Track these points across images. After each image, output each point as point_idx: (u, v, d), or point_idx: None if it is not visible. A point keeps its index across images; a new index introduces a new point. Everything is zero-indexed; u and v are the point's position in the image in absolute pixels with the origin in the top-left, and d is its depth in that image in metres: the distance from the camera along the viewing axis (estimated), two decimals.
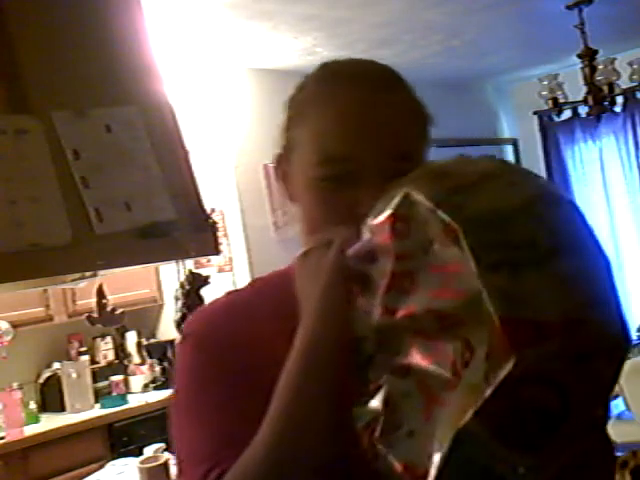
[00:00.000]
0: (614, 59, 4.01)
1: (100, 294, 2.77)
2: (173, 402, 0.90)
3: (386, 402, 0.68)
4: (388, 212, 0.69)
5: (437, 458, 0.61)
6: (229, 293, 0.94)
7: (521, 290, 0.60)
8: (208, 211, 1.43)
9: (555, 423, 0.60)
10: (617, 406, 3.68)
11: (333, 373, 0.71)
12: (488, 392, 0.58)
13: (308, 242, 0.83)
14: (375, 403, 0.69)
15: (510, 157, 6.11)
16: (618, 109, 4.79)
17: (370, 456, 0.69)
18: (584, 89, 3.98)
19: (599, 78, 3.94)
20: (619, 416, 3.83)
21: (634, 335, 4.92)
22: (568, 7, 3.87)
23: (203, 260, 4.06)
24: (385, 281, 0.69)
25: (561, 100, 4.17)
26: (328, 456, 0.71)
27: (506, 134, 6.08)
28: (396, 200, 0.69)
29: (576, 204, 0.69)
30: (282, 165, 0.90)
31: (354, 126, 0.80)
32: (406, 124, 0.83)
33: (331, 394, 0.71)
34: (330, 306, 0.73)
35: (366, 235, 0.74)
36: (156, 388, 4.30)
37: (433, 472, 0.61)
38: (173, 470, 2.25)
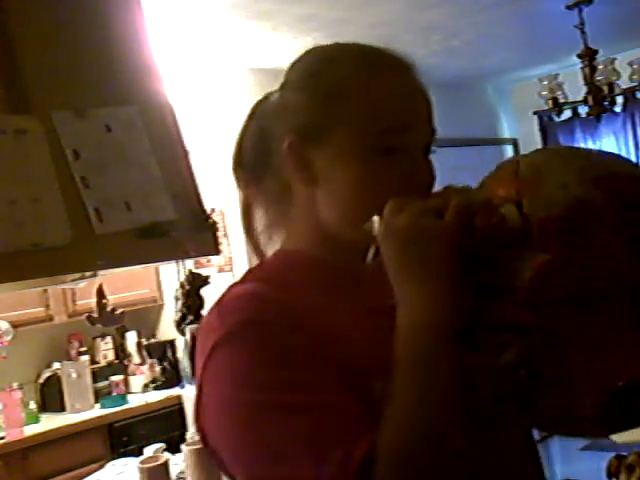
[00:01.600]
0: (614, 59, 4.01)
1: (100, 294, 2.77)
2: (238, 396, 0.76)
3: (521, 356, 0.71)
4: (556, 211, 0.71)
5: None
6: (233, 285, 0.87)
7: None
8: (208, 211, 1.43)
9: None
10: None
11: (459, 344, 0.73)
12: None
13: (351, 219, 0.84)
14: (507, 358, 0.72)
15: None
16: (618, 109, 4.79)
17: (512, 407, 0.74)
18: (584, 89, 3.98)
19: (599, 78, 3.94)
20: None
21: None
22: (568, 7, 3.87)
23: (203, 260, 4.06)
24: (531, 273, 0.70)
25: (561, 100, 4.17)
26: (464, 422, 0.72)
27: (506, 134, 6.08)
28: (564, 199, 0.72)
29: None
30: (300, 149, 0.85)
31: (410, 100, 0.85)
32: (431, 101, 0.89)
33: (460, 363, 0.72)
34: (458, 273, 0.74)
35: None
36: (156, 388, 4.30)
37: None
38: (173, 470, 2.25)
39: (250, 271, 0.93)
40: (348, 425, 0.72)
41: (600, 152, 0.80)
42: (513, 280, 0.71)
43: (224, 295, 0.85)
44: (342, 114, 0.83)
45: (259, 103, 0.96)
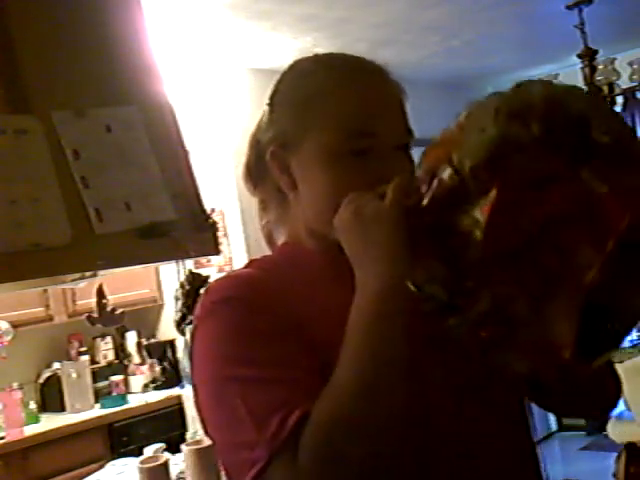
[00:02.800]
0: (614, 59, 4.01)
1: (100, 294, 2.77)
2: (210, 370, 0.86)
3: (492, 306, 0.74)
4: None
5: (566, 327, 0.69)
6: (235, 273, 1.00)
7: None
8: (208, 211, 1.43)
9: None
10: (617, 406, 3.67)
11: (407, 314, 0.78)
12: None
13: (326, 218, 0.88)
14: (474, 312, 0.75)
15: None
16: (618, 109, 4.79)
17: (484, 357, 0.77)
18: (584, 89, 3.98)
19: (599, 78, 3.94)
20: (619, 416, 3.83)
21: (634, 335, 4.92)
22: (568, 7, 3.87)
23: (203, 260, 4.06)
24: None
25: None
26: (408, 392, 0.77)
27: None
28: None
29: None
30: (281, 156, 0.96)
31: (375, 105, 0.91)
32: (404, 104, 0.95)
33: (406, 333, 0.78)
34: (401, 250, 0.79)
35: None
36: (156, 388, 4.30)
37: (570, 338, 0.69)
38: (173, 470, 2.25)
39: (251, 261, 1.01)
40: (294, 395, 0.78)
41: (530, 83, 0.82)
42: (473, 234, 0.74)
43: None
44: (312, 122, 0.92)
45: (260, 117, 1.05)
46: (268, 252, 1.06)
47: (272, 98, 1.00)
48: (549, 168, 0.73)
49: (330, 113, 0.91)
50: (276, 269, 0.96)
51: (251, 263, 1.00)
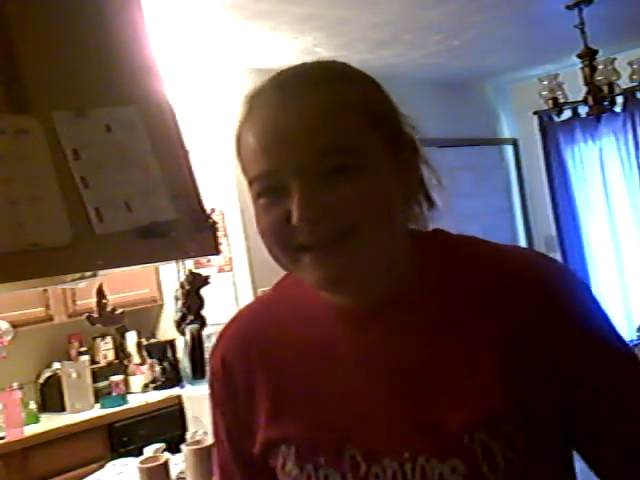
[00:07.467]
0: (614, 59, 4.01)
1: (100, 294, 2.76)
2: None
3: None
4: None
5: None
6: (235, 318, 0.99)
7: None
8: (208, 211, 1.42)
9: None
10: None
11: None
12: None
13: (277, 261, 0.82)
14: None
15: (510, 157, 6.11)
16: (618, 109, 4.79)
17: None
18: (584, 89, 3.98)
19: (599, 78, 3.94)
20: None
21: (634, 335, 4.92)
22: (568, 7, 3.87)
23: (203, 260, 4.06)
24: None
25: (561, 100, 4.17)
26: None
27: (506, 134, 6.07)
28: None
29: None
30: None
31: (268, 139, 0.78)
32: (318, 117, 0.76)
33: None
34: None
35: None
36: (156, 388, 4.30)
37: None
38: (173, 470, 2.25)
39: (277, 284, 0.97)
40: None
41: None
42: None
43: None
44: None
45: None
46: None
47: None
48: None
49: (239, 158, 0.83)
50: (276, 306, 0.93)
51: (274, 286, 0.96)
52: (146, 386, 4.34)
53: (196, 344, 2.09)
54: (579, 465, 0.85)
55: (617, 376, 0.80)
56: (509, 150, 6.10)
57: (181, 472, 2.26)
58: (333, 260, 0.76)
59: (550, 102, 4.18)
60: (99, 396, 4.12)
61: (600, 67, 3.94)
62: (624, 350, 0.81)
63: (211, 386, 0.95)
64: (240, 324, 0.95)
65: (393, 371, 0.80)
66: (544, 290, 0.79)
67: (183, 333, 2.82)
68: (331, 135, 0.76)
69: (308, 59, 0.88)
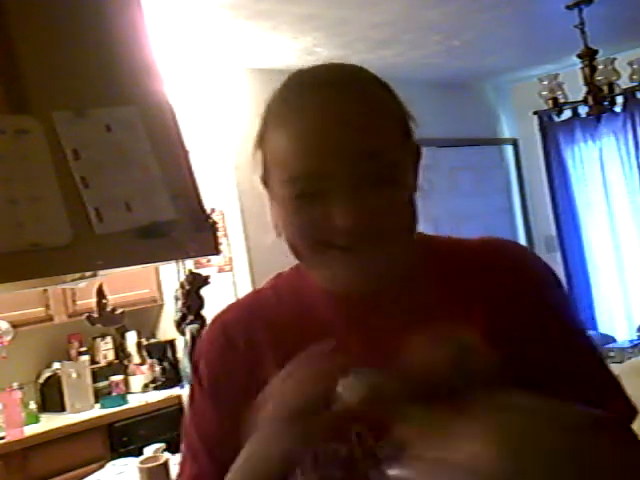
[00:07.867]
0: (614, 59, 4.01)
1: (100, 294, 2.77)
2: None
3: None
4: None
5: None
6: (232, 306, 1.02)
7: None
8: (208, 211, 1.42)
9: None
10: None
11: None
12: None
13: (297, 257, 0.86)
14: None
15: (510, 157, 6.12)
16: (618, 109, 4.79)
17: None
18: (584, 89, 3.98)
19: (599, 78, 3.94)
20: None
21: (634, 335, 4.92)
22: (568, 7, 3.87)
23: (203, 260, 4.06)
24: None
25: (561, 100, 4.17)
26: None
27: (506, 134, 6.08)
28: None
29: None
30: (266, 183, 0.87)
31: (312, 142, 0.77)
32: (367, 121, 0.78)
33: None
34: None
35: None
36: (156, 388, 4.30)
37: None
38: (173, 470, 2.25)
39: (278, 275, 1.00)
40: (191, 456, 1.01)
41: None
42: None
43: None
44: (267, 157, 0.84)
45: None
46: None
47: None
48: None
49: (274, 151, 0.82)
50: (276, 297, 0.95)
51: (276, 277, 0.99)
52: (146, 386, 4.34)
53: (196, 344, 2.08)
54: None
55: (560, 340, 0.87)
56: (509, 150, 6.10)
57: None
58: (367, 264, 0.80)
59: (550, 102, 4.18)
60: (99, 396, 4.13)
61: (600, 67, 3.94)
62: (577, 324, 0.91)
63: (195, 369, 0.97)
64: (240, 305, 0.99)
65: (388, 352, 0.82)
66: (518, 268, 0.89)
67: (183, 333, 2.82)
68: (379, 140, 0.78)
69: (308, 59, 0.89)
